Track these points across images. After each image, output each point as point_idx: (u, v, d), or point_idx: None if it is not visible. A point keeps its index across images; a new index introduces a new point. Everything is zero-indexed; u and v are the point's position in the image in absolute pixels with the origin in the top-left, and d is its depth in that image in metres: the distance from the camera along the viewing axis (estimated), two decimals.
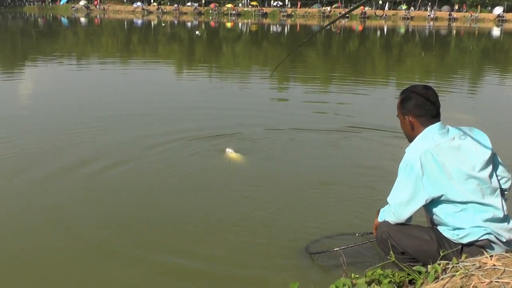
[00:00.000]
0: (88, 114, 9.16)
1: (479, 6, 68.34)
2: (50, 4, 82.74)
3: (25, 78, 14.66)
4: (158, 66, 19.06)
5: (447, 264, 2.68)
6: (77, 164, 6.08)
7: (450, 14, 67.00)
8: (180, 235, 4.38)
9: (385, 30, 50.71)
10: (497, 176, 3.01)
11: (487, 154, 2.89)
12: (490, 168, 2.89)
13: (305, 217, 4.76)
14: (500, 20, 63.88)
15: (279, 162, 6.47)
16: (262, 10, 72.92)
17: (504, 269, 2.48)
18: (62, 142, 7.08)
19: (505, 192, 3.09)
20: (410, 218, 2.97)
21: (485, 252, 2.74)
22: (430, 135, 2.93)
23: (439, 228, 3.01)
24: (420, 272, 2.72)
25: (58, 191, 5.30)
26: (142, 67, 18.46)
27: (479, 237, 2.84)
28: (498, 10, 66.13)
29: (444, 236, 2.94)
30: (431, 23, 62.48)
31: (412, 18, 67.54)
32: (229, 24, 55.21)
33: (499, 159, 3.07)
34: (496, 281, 2.38)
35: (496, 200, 2.89)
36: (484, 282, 2.38)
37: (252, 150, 6.85)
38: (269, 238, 4.31)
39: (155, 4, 79.34)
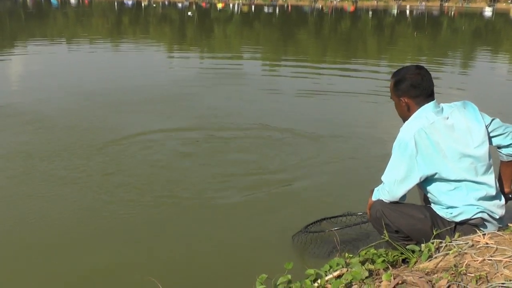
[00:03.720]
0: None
1: None
2: None
3: (12, 59, 14.59)
4: (149, 47, 18.94)
5: (441, 242, 2.69)
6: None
7: None
8: (170, 218, 4.37)
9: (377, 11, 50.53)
10: (499, 146, 3.04)
11: (481, 130, 2.89)
12: (485, 145, 2.89)
13: (299, 198, 4.77)
14: (492, 0, 63.85)
15: (266, 142, 6.47)
16: None
17: (497, 247, 2.50)
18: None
19: None
20: (404, 197, 2.98)
21: (478, 231, 2.76)
22: (424, 114, 2.93)
23: (433, 206, 3.03)
24: (413, 251, 2.73)
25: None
26: (133, 48, 18.35)
27: (473, 216, 2.86)
28: None
29: (438, 214, 2.96)
30: (423, 3, 62.33)
31: None
32: (220, 5, 54.82)
33: (498, 121, 3.03)
34: (488, 259, 2.39)
35: (490, 178, 2.90)
36: (477, 260, 2.40)
37: (240, 127, 6.92)
38: (263, 220, 4.32)
39: None
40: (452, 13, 48.32)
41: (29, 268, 3.57)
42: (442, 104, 3.01)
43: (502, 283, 2.16)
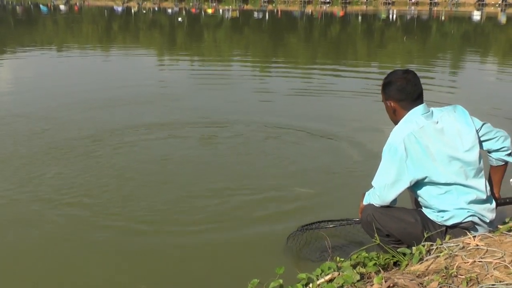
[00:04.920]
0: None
1: None
2: None
3: (2, 64, 14.57)
4: (139, 52, 18.91)
5: (432, 245, 2.71)
6: None
7: None
8: (160, 223, 4.36)
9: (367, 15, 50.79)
10: (489, 150, 3.06)
11: (471, 134, 2.91)
12: (475, 149, 2.90)
13: (293, 202, 4.76)
14: (480, 4, 64.23)
15: (259, 142, 6.51)
16: None
17: (487, 249, 2.51)
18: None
19: (509, 151, 3.07)
20: (395, 201, 2.99)
21: (468, 234, 2.77)
22: (414, 118, 2.94)
23: (424, 210, 3.04)
24: (404, 254, 2.75)
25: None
26: (123, 53, 18.33)
27: (463, 219, 2.87)
28: None
29: (429, 218, 2.97)
30: (413, 7, 62.59)
31: (393, 3, 67.56)
32: (209, 11, 54.75)
33: (489, 126, 3.04)
34: (479, 261, 2.41)
35: (480, 182, 2.91)
36: (468, 262, 2.41)
37: (231, 135, 6.87)
38: (254, 225, 4.32)
39: None
40: (443, 17, 48.48)
41: (18, 280, 3.55)
42: (432, 108, 3.02)
43: (492, 284, 2.18)
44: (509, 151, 3.08)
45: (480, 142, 2.98)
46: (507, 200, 3.24)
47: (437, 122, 2.92)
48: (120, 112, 8.11)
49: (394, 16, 48.22)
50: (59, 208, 4.58)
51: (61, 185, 5.06)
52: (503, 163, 3.13)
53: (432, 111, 2.99)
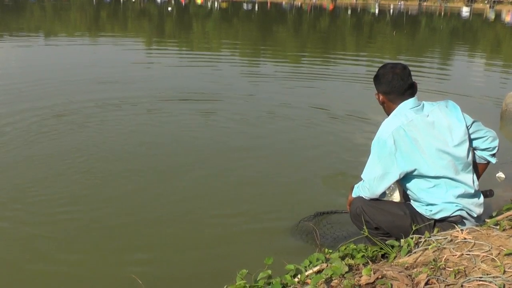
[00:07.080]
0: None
1: None
2: None
3: None
4: (128, 40, 18.79)
5: (420, 238, 2.72)
6: None
7: None
8: (150, 214, 4.33)
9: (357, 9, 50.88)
10: (476, 148, 3.08)
11: (461, 129, 2.92)
12: (465, 144, 2.92)
13: (281, 196, 4.74)
14: (469, 0, 64.50)
15: (251, 139, 6.46)
16: None
17: (475, 242, 2.53)
18: None
19: (494, 151, 3.12)
20: (384, 193, 3.01)
21: (456, 227, 2.79)
22: (403, 111, 2.95)
23: (413, 203, 3.06)
24: (393, 246, 2.76)
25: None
26: (110, 41, 18.21)
27: (452, 213, 2.89)
28: None
29: (417, 211, 2.99)
30: (402, 2, 62.71)
31: None
32: (199, 1, 54.44)
33: (479, 125, 3.07)
34: (467, 254, 2.42)
35: (468, 177, 2.94)
36: (456, 255, 2.42)
37: (225, 123, 6.89)
38: (243, 215, 4.31)
39: None
40: (442, 13, 48.59)
41: (10, 268, 3.52)
42: (423, 102, 3.03)
43: (480, 277, 2.19)
44: (493, 152, 3.12)
45: (470, 139, 3.00)
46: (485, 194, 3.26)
47: (428, 116, 2.93)
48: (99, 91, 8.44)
49: (391, 11, 48.31)
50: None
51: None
52: (486, 162, 3.17)
53: (423, 105, 3.00)
